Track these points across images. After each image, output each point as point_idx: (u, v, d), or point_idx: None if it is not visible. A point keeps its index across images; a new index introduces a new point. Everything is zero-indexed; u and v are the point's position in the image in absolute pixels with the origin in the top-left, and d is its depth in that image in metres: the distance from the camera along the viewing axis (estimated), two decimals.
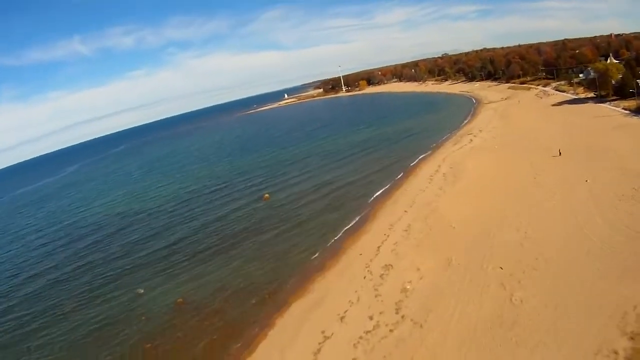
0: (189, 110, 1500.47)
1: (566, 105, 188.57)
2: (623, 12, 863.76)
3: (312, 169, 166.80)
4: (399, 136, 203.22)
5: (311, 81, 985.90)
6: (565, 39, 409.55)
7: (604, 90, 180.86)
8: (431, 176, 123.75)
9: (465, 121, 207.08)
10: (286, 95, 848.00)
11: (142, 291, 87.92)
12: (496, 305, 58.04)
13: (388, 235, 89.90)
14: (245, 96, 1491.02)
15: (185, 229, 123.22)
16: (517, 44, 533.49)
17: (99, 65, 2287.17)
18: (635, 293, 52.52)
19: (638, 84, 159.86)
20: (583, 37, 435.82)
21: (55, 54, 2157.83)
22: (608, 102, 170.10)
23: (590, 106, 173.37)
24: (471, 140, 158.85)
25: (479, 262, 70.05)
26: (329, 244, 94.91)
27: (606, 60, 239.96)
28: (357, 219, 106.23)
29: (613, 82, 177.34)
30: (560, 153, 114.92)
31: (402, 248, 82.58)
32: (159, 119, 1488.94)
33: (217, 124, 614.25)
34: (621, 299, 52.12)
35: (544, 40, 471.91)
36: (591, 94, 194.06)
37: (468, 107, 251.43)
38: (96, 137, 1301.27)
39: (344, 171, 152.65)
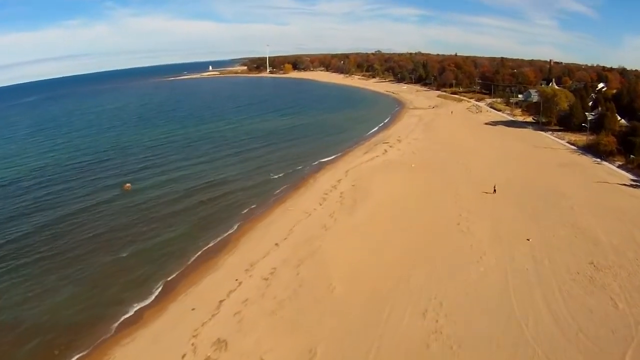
0: (119, 68, 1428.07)
1: (502, 127, 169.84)
2: (560, 43, 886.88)
3: (200, 161, 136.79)
4: (308, 131, 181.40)
5: (240, 57, 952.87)
6: (503, 57, 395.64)
7: (546, 117, 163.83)
8: (326, 194, 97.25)
9: (384, 125, 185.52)
10: (210, 67, 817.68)
11: None
12: None
13: (240, 283, 62.18)
14: (174, 62, 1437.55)
15: (29, 223, 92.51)
16: (453, 53, 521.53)
17: (35, 9, 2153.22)
18: None
19: (586, 117, 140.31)
20: (520, 58, 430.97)
21: None
22: (550, 132, 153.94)
23: (530, 132, 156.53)
24: (386, 151, 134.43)
25: None
26: (164, 282, 66.81)
27: (548, 85, 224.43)
28: (212, 243, 78.82)
29: (558, 109, 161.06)
30: (495, 190, 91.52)
31: (251, 312, 55.08)
32: (88, 72, 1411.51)
33: (135, 86, 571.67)
34: None
35: (481, 55, 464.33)
36: (530, 119, 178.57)
37: (390, 110, 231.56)
38: (22, 82, 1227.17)
39: (234, 170, 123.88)
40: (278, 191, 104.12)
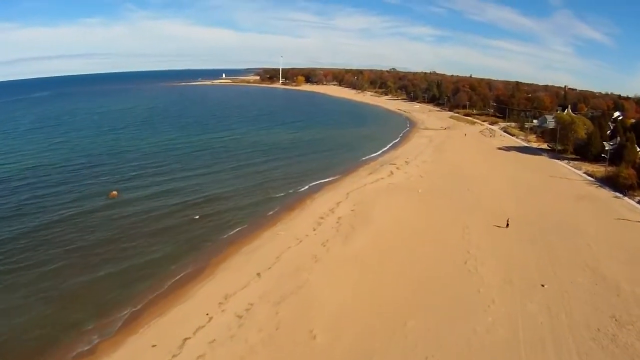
0: (133, 70, 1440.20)
1: (515, 153, 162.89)
2: (575, 69, 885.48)
3: (197, 174, 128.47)
4: (314, 147, 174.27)
5: (255, 67, 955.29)
6: (518, 81, 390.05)
7: (563, 144, 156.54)
8: (322, 217, 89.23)
9: (392, 145, 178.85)
10: (224, 75, 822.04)
11: None
12: None
13: (211, 318, 54.49)
14: (188, 68, 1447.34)
15: (7, 228, 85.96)
16: (468, 74, 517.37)
17: (55, 5, 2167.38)
18: None
19: (605, 147, 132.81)
20: (535, 83, 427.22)
21: None
22: (566, 161, 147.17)
23: (544, 160, 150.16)
24: (392, 173, 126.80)
25: None
26: (131, 311, 59.28)
27: (563, 111, 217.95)
28: (191, 268, 70.80)
29: (575, 137, 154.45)
30: (507, 224, 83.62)
31: (217, 357, 47.50)
32: (102, 72, 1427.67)
33: (147, 89, 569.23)
34: None
35: (496, 78, 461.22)
36: (545, 145, 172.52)
37: (400, 129, 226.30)
38: (38, 76, 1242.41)
39: (231, 186, 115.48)
40: (271, 212, 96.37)
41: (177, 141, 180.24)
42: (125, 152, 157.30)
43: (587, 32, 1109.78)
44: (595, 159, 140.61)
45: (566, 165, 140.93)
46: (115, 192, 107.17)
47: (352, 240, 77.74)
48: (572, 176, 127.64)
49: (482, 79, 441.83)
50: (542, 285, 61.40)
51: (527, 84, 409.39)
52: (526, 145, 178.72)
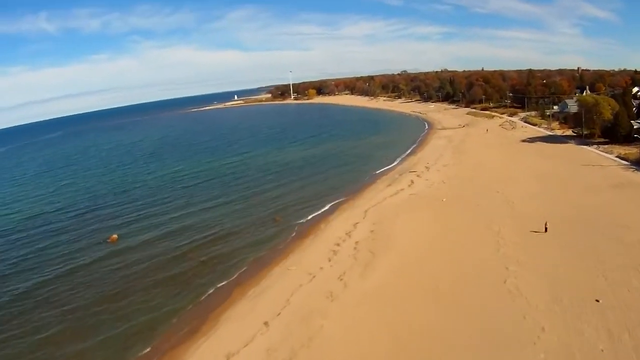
0: (146, 101, 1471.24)
1: (540, 143, 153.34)
2: (585, 49, 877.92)
3: (204, 208, 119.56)
4: (327, 163, 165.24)
5: (266, 85, 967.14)
6: (530, 69, 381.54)
7: (588, 128, 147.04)
8: (337, 244, 79.98)
9: (411, 151, 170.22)
10: (236, 97, 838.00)
11: None
12: None
13: None
14: (200, 93, 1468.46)
15: (4, 290, 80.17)
16: (480, 68, 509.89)
17: (63, 45, 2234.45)
18: None
19: (633, 126, 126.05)
20: (548, 68, 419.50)
21: (20, 27, 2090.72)
22: (595, 145, 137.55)
23: (572, 148, 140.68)
24: (412, 182, 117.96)
25: None
26: None
27: (582, 93, 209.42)
28: (195, 323, 62.12)
29: (602, 119, 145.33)
30: (546, 228, 73.97)
31: None
32: (115, 106, 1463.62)
33: (158, 118, 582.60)
34: None
35: (507, 69, 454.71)
36: (569, 132, 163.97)
37: (417, 132, 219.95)
38: (50, 117, 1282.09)
39: (240, 219, 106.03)
40: (282, 244, 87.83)
41: (185, 172, 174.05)
42: (131, 189, 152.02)
43: (591, 11, 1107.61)
44: (625, 139, 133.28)
45: (596, 151, 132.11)
46: (115, 236, 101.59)
47: (373, 269, 68.43)
48: (604, 162, 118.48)
49: (494, 71, 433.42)
50: (597, 301, 51.74)
51: (540, 70, 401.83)
52: (550, 133, 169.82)
